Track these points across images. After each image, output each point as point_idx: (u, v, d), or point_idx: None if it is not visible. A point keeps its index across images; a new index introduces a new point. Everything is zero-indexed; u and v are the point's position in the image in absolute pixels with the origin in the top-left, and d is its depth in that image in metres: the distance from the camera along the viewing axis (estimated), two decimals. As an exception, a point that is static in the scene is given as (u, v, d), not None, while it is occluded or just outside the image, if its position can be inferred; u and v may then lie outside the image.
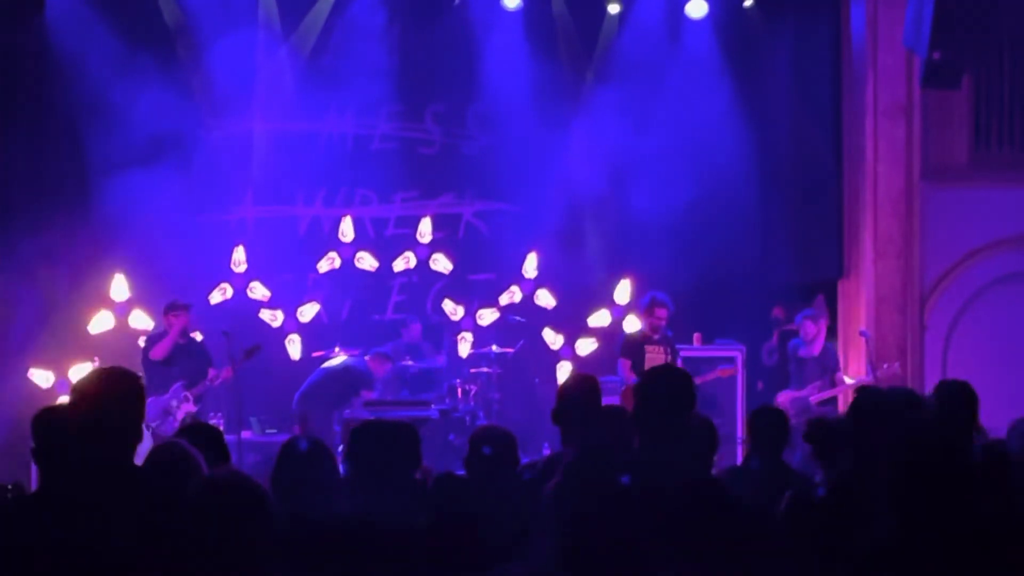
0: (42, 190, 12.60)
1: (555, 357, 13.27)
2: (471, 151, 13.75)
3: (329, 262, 13.25)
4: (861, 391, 5.24)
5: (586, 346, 13.23)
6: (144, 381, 4.41)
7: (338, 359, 12.05)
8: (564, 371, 12.93)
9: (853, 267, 12.93)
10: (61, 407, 4.52)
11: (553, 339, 13.30)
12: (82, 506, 3.68)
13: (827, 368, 11.65)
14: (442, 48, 13.31)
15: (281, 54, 13.20)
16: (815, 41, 13.17)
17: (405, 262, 13.42)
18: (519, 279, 13.30)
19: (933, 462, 3.45)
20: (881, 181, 12.46)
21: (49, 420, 4.34)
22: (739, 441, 12.00)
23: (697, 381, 11.24)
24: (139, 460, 4.04)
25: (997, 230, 12.52)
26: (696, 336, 12.61)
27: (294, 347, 13.11)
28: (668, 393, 4.33)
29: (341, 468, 4.62)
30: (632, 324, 12.86)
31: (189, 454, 4.15)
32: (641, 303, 11.83)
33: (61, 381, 11.62)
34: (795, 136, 13.33)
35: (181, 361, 11.01)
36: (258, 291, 13.02)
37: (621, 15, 13.37)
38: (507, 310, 13.20)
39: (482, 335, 13.13)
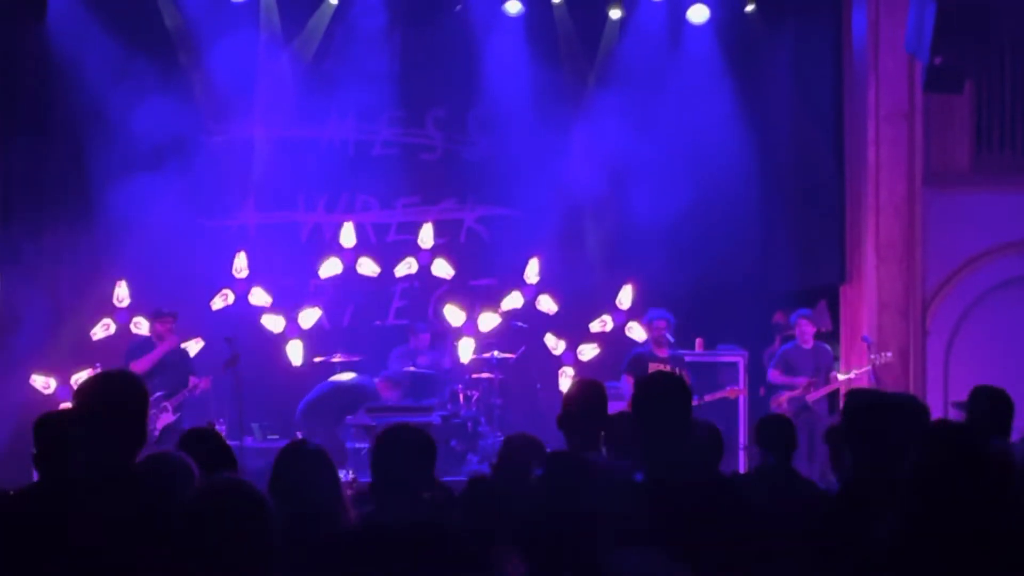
0: (44, 196, 12.62)
1: (557, 362, 13.26)
2: (472, 156, 13.74)
3: (331, 268, 13.23)
4: (851, 394, 5.24)
5: (588, 351, 13.22)
6: None
7: (348, 375, 12.01)
8: (566, 376, 12.93)
9: (855, 272, 12.92)
10: (62, 412, 4.51)
11: (555, 344, 13.28)
12: (81, 510, 3.65)
13: (820, 365, 11.72)
14: (443, 53, 13.30)
15: (282, 60, 13.20)
16: (816, 46, 13.17)
17: (407, 268, 13.41)
18: (521, 284, 13.29)
19: (947, 466, 3.44)
20: (883, 186, 12.45)
21: (50, 425, 4.33)
22: (741, 447, 12.00)
23: (706, 399, 11.37)
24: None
25: (999, 235, 12.51)
26: (698, 341, 12.61)
27: (295, 353, 13.10)
28: (665, 398, 4.33)
29: (344, 474, 4.60)
30: (634, 331, 12.88)
31: (181, 462, 4.12)
32: (643, 320, 11.94)
33: (62, 387, 11.60)
34: (796, 141, 13.33)
35: (162, 371, 10.98)
36: (260, 297, 13.00)
37: (622, 20, 13.37)
38: (509, 315, 13.19)
39: (484, 340, 13.11)
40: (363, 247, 13.41)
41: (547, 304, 13.29)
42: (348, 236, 13.29)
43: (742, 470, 11.40)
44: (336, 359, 12.21)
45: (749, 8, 13.32)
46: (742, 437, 12.05)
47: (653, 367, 11.36)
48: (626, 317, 13.15)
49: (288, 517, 4.22)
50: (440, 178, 13.77)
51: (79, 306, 12.32)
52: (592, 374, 10.96)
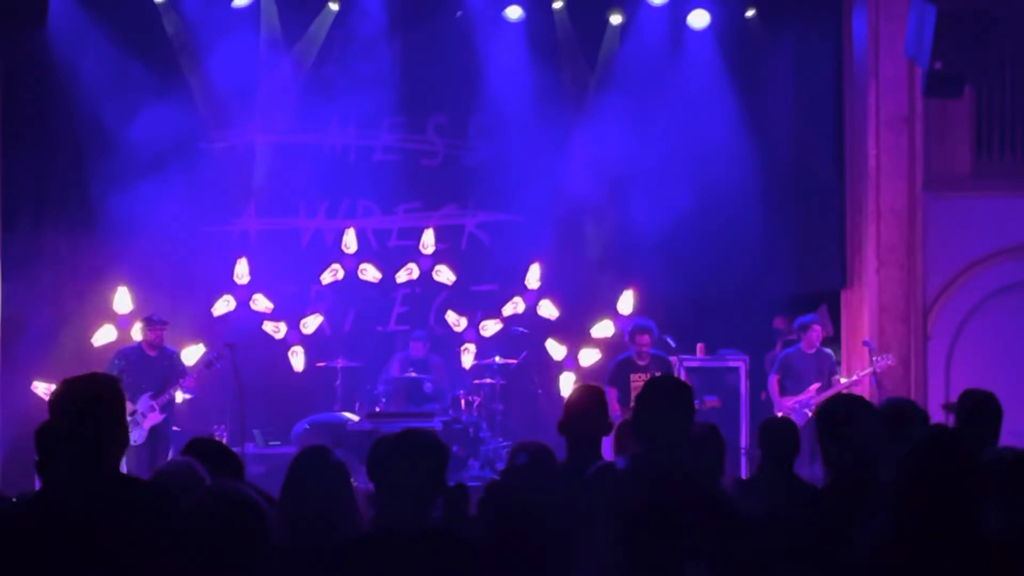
0: (46, 202, 12.64)
1: (558, 368, 13.27)
2: (473, 162, 13.74)
3: (332, 274, 13.25)
4: (831, 399, 5.26)
5: (589, 356, 13.22)
6: None
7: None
8: (567, 382, 12.94)
9: (856, 277, 12.93)
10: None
11: (556, 350, 13.30)
12: (73, 517, 3.63)
13: (823, 370, 11.74)
14: (444, 59, 13.30)
15: (283, 66, 13.21)
16: (817, 51, 13.18)
17: (408, 273, 13.42)
18: (522, 290, 13.30)
19: (938, 469, 3.45)
20: (883, 191, 12.45)
21: (48, 433, 4.33)
22: (743, 451, 12.01)
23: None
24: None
25: (999, 240, 12.50)
26: (699, 346, 12.61)
27: (297, 359, 13.11)
28: (667, 403, 4.35)
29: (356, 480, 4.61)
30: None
31: (191, 469, 4.14)
32: (625, 332, 11.94)
33: (64, 394, 11.59)
34: (797, 146, 13.34)
35: (149, 372, 11.11)
36: (261, 303, 13.03)
37: (623, 25, 13.37)
38: (510, 321, 13.20)
39: (485, 346, 13.13)
40: (364, 253, 13.42)
41: (548, 309, 13.30)
42: (349, 242, 13.30)
43: (744, 474, 11.40)
44: (338, 364, 12.25)
45: (749, 13, 13.32)
46: (744, 440, 12.06)
47: (634, 377, 11.38)
48: (627, 322, 13.15)
49: (300, 521, 4.23)
50: (441, 184, 13.77)
51: (81, 312, 12.34)
52: (593, 379, 10.99)
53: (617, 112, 12.96)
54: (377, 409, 11.94)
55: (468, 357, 13.15)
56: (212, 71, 12.83)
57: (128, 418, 10.43)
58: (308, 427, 11.70)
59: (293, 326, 13.15)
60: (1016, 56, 12.49)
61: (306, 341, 13.17)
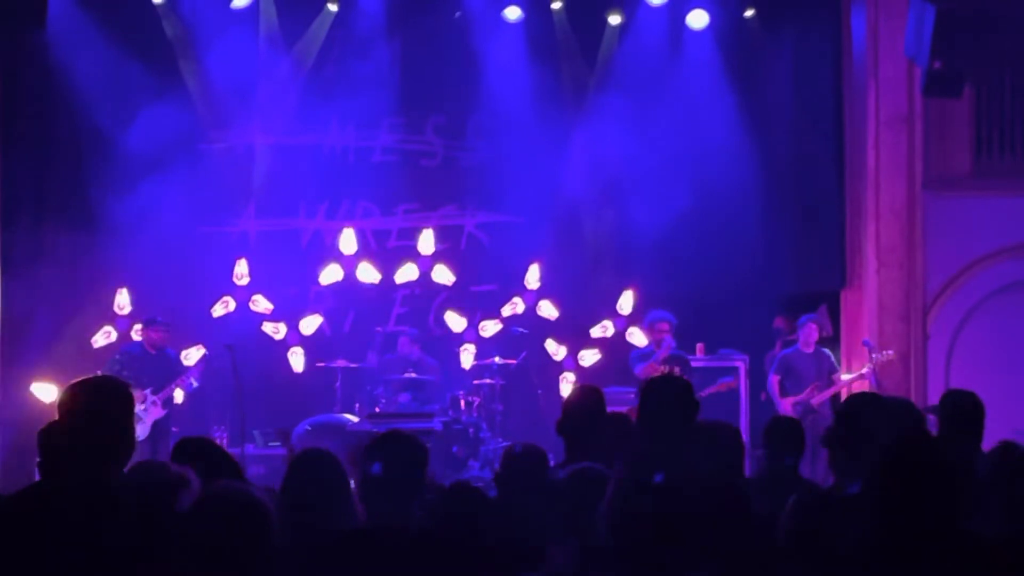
0: (45, 203, 12.65)
1: (558, 368, 13.26)
2: (472, 163, 13.74)
3: (331, 274, 13.24)
4: (848, 399, 5.26)
5: (589, 357, 13.22)
6: None
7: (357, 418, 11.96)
8: (567, 382, 12.94)
9: (855, 277, 12.93)
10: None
11: (556, 350, 13.29)
12: (73, 517, 3.61)
13: (822, 370, 11.74)
14: (443, 60, 13.30)
15: (282, 66, 13.21)
16: (816, 51, 13.18)
17: (407, 274, 13.41)
18: (521, 290, 13.29)
19: (920, 468, 3.45)
20: (883, 190, 12.46)
21: (53, 434, 4.31)
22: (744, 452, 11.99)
23: (702, 395, 11.37)
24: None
25: (999, 239, 12.52)
26: (699, 346, 12.61)
27: (297, 360, 13.11)
28: (669, 400, 4.35)
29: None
30: (635, 336, 12.87)
31: (173, 472, 4.08)
32: (644, 321, 11.95)
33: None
34: (796, 146, 13.34)
35: (151, 368, 11.27)
36: (260, 304, 13.01)
37: (622, 25, 13.37)
38: (510, 321, 13.19)
39: (485, 347, 13.11)
40: (364, 253, 13.41)
41: (548, 310, 13.29)
42: (349, 242, 13.29)
43: (745, 473, 11.39)
44: (337, 365, 12.25)
45: (748, 13, 13.32)
46: (744, 440, 12.04)
47: (653, 368, 11.40)
48: (627, 322, 13.15)
49: (299, 521, 4.23)
50: (440, 184, 13.77)
51: (80, 313, 12.33)
52: (593, 380, 10.98)
53: (616, 112, 12.96)
54: (377, 410, 11.94)
55: (468, 357, 13.14)
56: (211, 72, 12.84)
57: None
58: (309, 428, 11.70)
59: (293, 327, 13.15)
60: (1016, 56, 12.48)
61: (306, 342, 13.17)
